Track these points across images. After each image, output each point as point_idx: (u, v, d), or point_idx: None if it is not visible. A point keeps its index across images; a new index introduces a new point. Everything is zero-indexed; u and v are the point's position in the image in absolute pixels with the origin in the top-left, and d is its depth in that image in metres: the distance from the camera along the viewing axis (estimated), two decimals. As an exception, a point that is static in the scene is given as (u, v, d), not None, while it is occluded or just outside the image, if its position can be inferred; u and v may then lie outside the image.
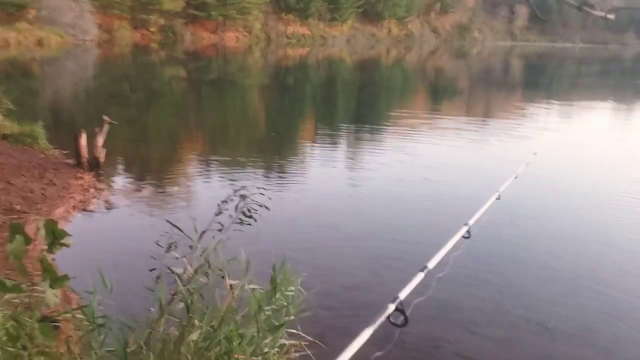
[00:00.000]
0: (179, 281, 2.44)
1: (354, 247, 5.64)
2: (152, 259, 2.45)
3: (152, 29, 49.22)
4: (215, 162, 9.21)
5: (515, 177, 6.88)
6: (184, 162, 9.23)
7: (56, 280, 1.83)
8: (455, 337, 3.79)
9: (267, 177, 8.47)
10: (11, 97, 9.98)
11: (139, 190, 7.08)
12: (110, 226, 5.91)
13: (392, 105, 19.85)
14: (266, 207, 2.58)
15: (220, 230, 2.50)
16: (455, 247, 4.42)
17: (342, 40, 67.90)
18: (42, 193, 6.28)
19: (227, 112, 16.31)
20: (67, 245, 1.84)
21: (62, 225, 5.43)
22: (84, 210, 6.19)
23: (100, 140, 7.63)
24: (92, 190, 6.86)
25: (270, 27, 61.40)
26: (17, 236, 1.74)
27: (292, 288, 2.87)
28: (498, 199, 5.84)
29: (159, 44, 44.80)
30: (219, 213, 2.52)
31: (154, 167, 8.97)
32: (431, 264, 2.69)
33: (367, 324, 1.70)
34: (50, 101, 16.13)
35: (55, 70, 25.47)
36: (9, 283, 1.75)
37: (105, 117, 7.81)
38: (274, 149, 10.87)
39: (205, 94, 20.81)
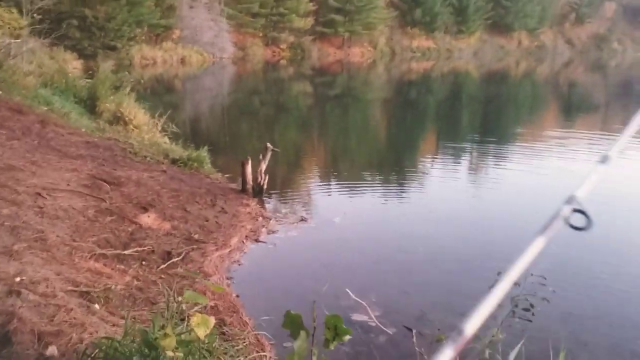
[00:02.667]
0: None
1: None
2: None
3: (282, 46, 51.54)
4: (362, 185, 9.41)
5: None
6: (341, 186, 9.24)
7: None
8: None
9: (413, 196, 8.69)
10: (157, 112, 10.92)
11: (304, 221, 6.97)
12: (282, 259, 5.88)
13: (520, 120, 19.15)
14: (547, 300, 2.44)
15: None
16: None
17: (469, 53, 66.25)
18: (216, 221, 6.42)
19: (352, 127, 16.76)
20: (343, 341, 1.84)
21: (237, 256, 5.69)
22: (256, 240, 6.20)
23: (263, 166, 7.68)
24: (260, 219, 6.91)
25: (395, 41, 61.53)
26: (302, 332, 1.74)
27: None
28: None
29: (288, 61, 46.85)
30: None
31: (311, 191, 8.91)
32: (613, 153, 2.47)
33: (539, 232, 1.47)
34: (190, 116, 17.61)
35: (194, 86, 27.68)
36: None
37: (268, 145, 7.88)
38: (397, 165, 11.05)
39: (330, 108, 21.50)
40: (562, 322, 4.30)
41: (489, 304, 1.33)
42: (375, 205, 8.07)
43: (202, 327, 2.27)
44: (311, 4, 52.23)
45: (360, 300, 4.48)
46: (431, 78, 38.44)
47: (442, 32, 65.48)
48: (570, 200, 2.04)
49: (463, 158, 11.72)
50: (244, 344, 3.73)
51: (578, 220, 1.88)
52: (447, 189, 9.03)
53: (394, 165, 11.13)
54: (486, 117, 20.16)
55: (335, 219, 7.08)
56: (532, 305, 2.37)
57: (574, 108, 23.84)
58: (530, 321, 2.40)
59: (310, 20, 52.25)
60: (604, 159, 2.49)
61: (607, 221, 6.67)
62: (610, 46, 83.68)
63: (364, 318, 4.39)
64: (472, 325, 1.25)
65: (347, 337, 1.79)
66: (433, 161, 11.40)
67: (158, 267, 5.04)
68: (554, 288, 2.68)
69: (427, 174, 10.21)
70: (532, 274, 2.44)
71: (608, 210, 6.94)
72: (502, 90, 31.46)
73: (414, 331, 4.09)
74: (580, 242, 5.81)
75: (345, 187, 9.04)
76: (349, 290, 4.63)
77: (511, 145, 13.17)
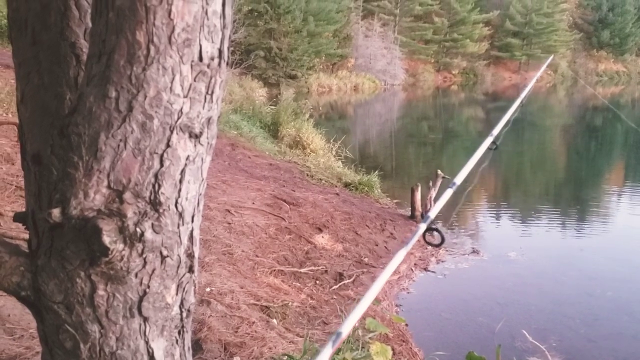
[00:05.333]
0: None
1: None
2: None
3: (453, 72, 50.87)
4: (539, 218, 8.94)
5: None
6: (515, 218, 8.86)
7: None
8: None
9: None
10: (332, 137, 11.39)
11: (475, 252, 6.74)
12: (453, 291, 5.74)
13: None
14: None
15: None
16: None
17: (666, 77, 59.12)
18: (385, 246, 6.55)
19: (527, 155, 15.87)
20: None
21: (406, 284, 5.70)
22: (425, 269, 6.13)
23: (433, 194, 7.62)
24: (429, 247, 6.74)
25: (579, 64, 57.24)
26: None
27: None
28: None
29: (460, 86, 46.01)
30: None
31: (482, 222, 8.67)
32: (458, 180, 2.42)
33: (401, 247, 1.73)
34: (360, 141, 18.08)
35: (365, 112, 28.42)
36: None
37: (439, 172, 7.80)
38: (578, 198, 10.21)
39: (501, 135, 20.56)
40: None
41: (361, 308, 1.47)
42: (554, 241, 7.50)
43: (381, 356, 2.29)
44: (487, 28, 50.91)
45: (538, 344, 4.18)
46: (620, 104, 34.92)
47: (633, 54, 59.43)
48: (426, 219, 2.13)
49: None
50: (415, 375, 3.68)
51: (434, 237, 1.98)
52: (635, 228, 8.07)
53: (575, 197, 10.26)
54: None
55: (510, 253, 6.71)
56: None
57: None
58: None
59: (484, 45, 50.94)
60: (452, 185, 2.40)
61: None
62: None
63: (543, 364, 4.08)
64: (347, 327, 1.39)
65: None
66: (620, 194, 10.29)
67: (330, 287, 5.21)
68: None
69: (612, 208, 9.25)
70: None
71: None
72: None
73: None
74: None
75: (520, 220, 8.55)
76: (525, 332, 4.34)
77: None
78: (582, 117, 27.52)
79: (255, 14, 30.21)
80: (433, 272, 6.06)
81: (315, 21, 32.82)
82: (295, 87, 28.53)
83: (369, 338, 3.09)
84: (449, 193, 2.34)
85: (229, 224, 5.92)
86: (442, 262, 6.35)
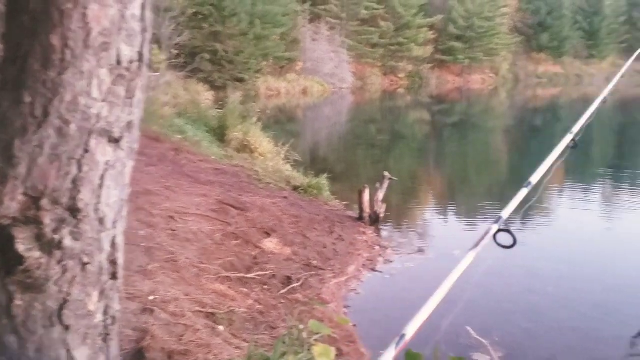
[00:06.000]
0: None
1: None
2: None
3: (400, 75, 51.69)
4: (483, 217, 9.11)
5: None
6: (459, 217, 9.08)
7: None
8: None
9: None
10: (280, 140, 11.36)
11: (421, 252, 6.89)
12: (400, 290, 5.80)
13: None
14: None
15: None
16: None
17: (601, 79, 61.95)
18: (333, 249, 6.53)
19: (471, 156, 16.33)
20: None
21: (354, 285, 5.72)
22: (373, 270, 6.17)
23: (380, 195, 7.73)
24: (376, 247, 6.92)
25: (519, 67, 59.32)
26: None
27: None
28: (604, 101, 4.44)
29: (406, 89, 46.85)
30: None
31: (428, 222, 8.82)
32: (534, 179, 2.38)
33: (469, 248, 1.64)
34: (309, 144, 18.15)
35: (314, 116, 28.54)
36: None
37: (386, 174, 7.93)
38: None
39: (447, 137, 21.13)
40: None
41: (427, 309, 1.45)
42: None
43: (324, 357, 2.31)
44: (431, 32, 52.04)
45: (482, 340, 4.30)
46: (559, 105, 36.43)
47: (570, 57, 62.09)
48: (497, 220, 2.00)
49: (593, 193, 10.90)
50: (361, 375, 3.72)
51: (505, 239, 1.89)
52: (578, 226, 8.44)
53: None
54: (620, 146, 18.67)
55: (455, 251, 6.88)
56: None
57: None
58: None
59: (429, 49, 52.01)
60: (527, 184, 2.37)
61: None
62: None
63: (486, 359, 4.20)
64: (412, 328, 1.38)
65: None
66: (559, 196, 10.72)
67: (278, 291, 5.19)
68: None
69: (552, 209, 9.61)
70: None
71: None
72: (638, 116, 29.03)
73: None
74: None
75: (464, 219, 8.79)
76: (470, 329, 4.46)
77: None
78: (523, 119, 28.53)
79: (200, 16, 29.83)
80: (381, 272, 6.14)
81: (262, 24, 32.71)
82: (243, 90, 28.32)
83: (314, 340, 3.10)
84: (523, 192, 2.26)
85: (173, 230, 5.82)
86: (390, 262, 6.44)
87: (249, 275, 5.40)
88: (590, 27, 61.56)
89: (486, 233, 1.83)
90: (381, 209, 7.69)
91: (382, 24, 49.43)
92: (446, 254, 6.81)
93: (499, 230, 1.86)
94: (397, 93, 43.87)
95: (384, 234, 7.52)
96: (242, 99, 15.44)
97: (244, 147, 10.57)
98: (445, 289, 1.53)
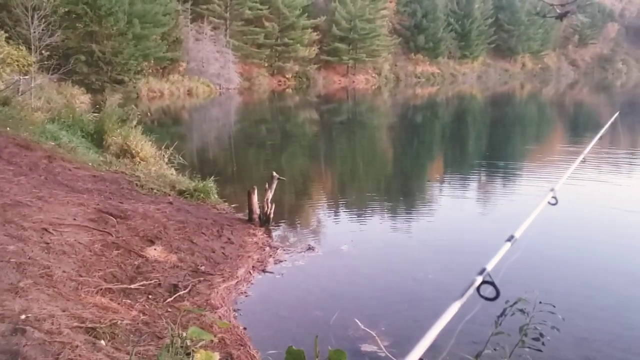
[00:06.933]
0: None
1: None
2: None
3: (287, 76, 52.07)
4: (370, 212, 9.29)
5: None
6: (348, 213, 9.14)
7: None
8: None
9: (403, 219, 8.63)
10: (164, 143, 10.95)
11: (311, 249, 6.89)
12: (290, 289, 5.80)
13: (528, 141, 19.10)
14: (557, 329, 2.43)
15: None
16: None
17: (473, 77, 66.64)
18: (222, 253, 6.38)
19: (359, 153, 16.78)
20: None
21: (244, 288, 5.60)
22: (263, 271, 6.11)
23: (269, 195, 7.69)
24: (267, 248, 6.84)
25: (400, 67, 62.09)
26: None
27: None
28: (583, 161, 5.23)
29: (294, 89, 47.28)
30: (497, 333, 2.42)
31: (318, 219, 8.87)
32: (518, 234, 2.58)
33: (454, 298, 1.72)
34: (197, 147, 17.70)
35: (201, 117, 27.92)
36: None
37: (274, 174, 7.90)
38: (405, 191, 11.00)
39: (336, 135, 21.58)
40: (576, 348, 4.19)
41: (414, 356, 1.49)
42: (384, 232, 8.00)
43: (206, 363, 2.22)
44: (315, 33, 52.92)
45: (369, 331, 4.40)
46: (436, 102, 38.61)
47: (445, 57, 66.05)
48: (481, 272, 2.11)
49: (470, 182, 11.66)
50: (252, 378, 3.65)
51: (488, 291, 1.94)
52: (455, 215, 8.95)
53: (402, 191, 11.09)
54: (492, 139, 20.15)
55: (343, 247, 7.02)
56: (541, 335, 2.32)
57: (580, 128, 23.80)
58: (541, 351, 2.34)
59: (314, 50, 52.86)
60: (510, 238, 2.64)
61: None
62: (615, 66, 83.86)
63: (374, 349, 4.30)
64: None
65: None
66: (441, 186, 11.34)
67: (164, 300, 4.98)
68: (564, 316, 2.62)
69: (435, 199, 10.15)
70: (540, 302, 2.39)
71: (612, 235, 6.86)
72: (508, 112, 31.52)
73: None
74: (590, 269, 5.75)
75: (353, 214, 8.99)
76: (357, 321, 4.55)
77: (520, 167, 13.10)
78: (404, 115, 29.87)
79: (74, 15, 28.08)
80: (271, 272, 6.10)
81: (141, 24, 31.44)
82: (123, 92, 27.06)
83: (199, 346, 3.00)
84: (507, 246, 2.29)
85: (47, 243, 5.39)
86: (280, 262, 6.42)
87: (132, 286, 5.14)
88: (461, 28, 65.89)
89: (471, 284, 1.92)
90: (271, 209, 7.64)
91: (267, 24, 49.52)
92: (335, 249, 6.93)
93: (483, 282, 1.93)
94: (286, 93, 44.16)
95: (274, 234, 7.49)
96: (122, 102, 14.73)
97: (124, 152, 10.06)
98: (429, 340, 1.53)
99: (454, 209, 9.38)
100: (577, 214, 7.06)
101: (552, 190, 4.18)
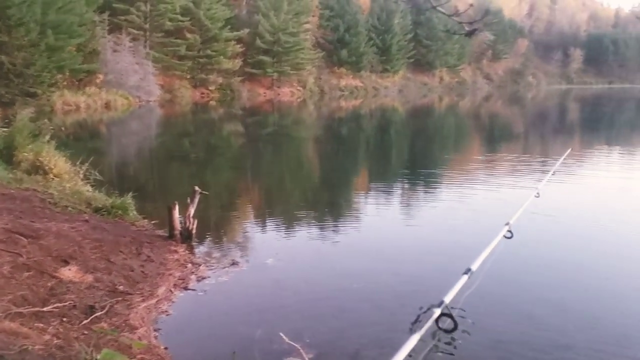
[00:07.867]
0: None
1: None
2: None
3: (210, 88, 51.48)
4: (296, 224, 9.21)
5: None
6: (274, 226, 9.09)
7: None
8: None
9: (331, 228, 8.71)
10: (80, 159, 10.46)
11: (235, 264, 6.78)
12: (213, 306, 5.73)
13: (447, 152, 19.88)
14: (468, 333, 2.53)
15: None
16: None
17: (394, 91, 68.71)
18: (142, 271, 6.17)
19: (285, 166, 16.80)
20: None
21: (165, 306, 5.42)
22: (185, 288, 5.97)
23: (192, 210, 7.47)
24: (189, 265, 6.66)
25: (324, 80, 63.00)
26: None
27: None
28: (537, 196, 5.46)
29: (218, 102, 46.76)
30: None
31: (243, 234, 8.77)
32: (474, 266, 2.66)
33: (412, 331, 1.75)
34: (115, 162, 17.09)
35: (120, 131, 27.02)
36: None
37: (196, 188, 7.67)
38: (331, 202, 11.12)
39: (262, 147, 21.52)
40: (491, 350, 4.39)
41: None
42: (309, 244, 8.04)
43: (120, 387, 2.15)
44: (239, 46, 52.75)
45: (294, 344, 4.39)
46: (360, 115, 39.44)
47: (368, 71, 67.79)
48: (440, 304, 2.19)
49: (394, 191, 11.98)
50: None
51: (446, 323, 2.02)
52: (380, 224, 9.15)
53: (328, 202, 11.21)
54: (414, 150, 20.84)
55: (268, 260, 6.99)
56: (453, 339, 2.42)
57: (496, 138, 25.08)
58: (453, 354, 2.44)
59: (238, 62, 52.65)
60: (467, 271, 2.82)
61: (530, 249, 6.97)
62: (526, 80, 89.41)
63: (298, 362, 4.31)
64: None
65: None
66: (366, 197, 11.58)
67: (80, 322, 4.76)
68: (473, 320, 2.75)
69: (360, 209, 10.33)
70: (452, 307, 2.49)
71: (532, 237, 7.23)
72: (428, 124, 32.72)
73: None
74: (500, 271, 6.02)
75: (279, 227, 8.98)
76: (282, 334, 4.54)
77: (440, 177, 13.61)
78: (329, 127, 30.28)
79: (-20, 25, 26.50)
80: (194, 289, 5.96)
81: (55, 34, 30.06)
82: (36, 105, 25.64)
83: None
84: (463, 279, 2.32)
85: (-51, 268, 5.03)
86: (203, 278, 6.29)
87: (45, 309, 4.87)
88: (382, 43, 67.91)
89: (429, 316, 1.93)
90: (193, 225, 7.47)
91: (189, 35, 48.87)
92: (260, 263, 6.89)
93: (441, 315, 1.94)
94: (209, 105, 43.60)
95: (197, 250, 7.32)
96: (34, 116, 13.95)
97: (37, 169, 9.54)
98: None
99: (378, 216, 9.60)
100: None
101: (507, 224, 4.41)
